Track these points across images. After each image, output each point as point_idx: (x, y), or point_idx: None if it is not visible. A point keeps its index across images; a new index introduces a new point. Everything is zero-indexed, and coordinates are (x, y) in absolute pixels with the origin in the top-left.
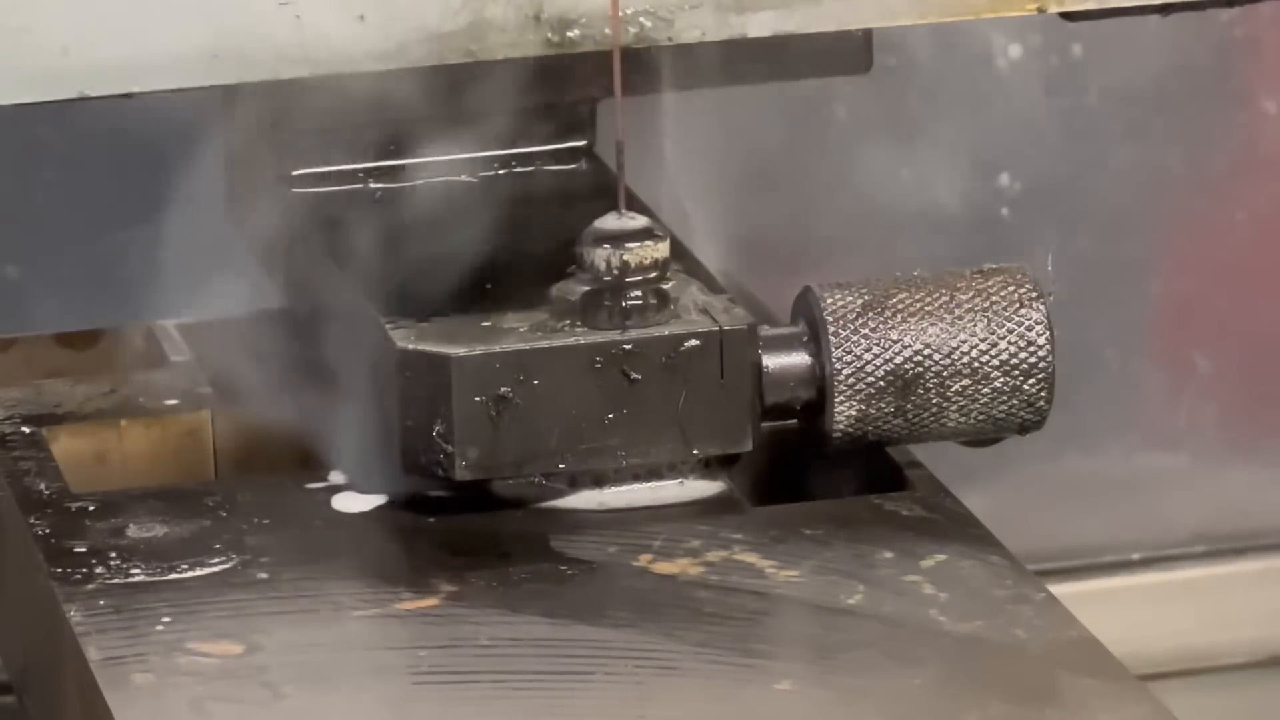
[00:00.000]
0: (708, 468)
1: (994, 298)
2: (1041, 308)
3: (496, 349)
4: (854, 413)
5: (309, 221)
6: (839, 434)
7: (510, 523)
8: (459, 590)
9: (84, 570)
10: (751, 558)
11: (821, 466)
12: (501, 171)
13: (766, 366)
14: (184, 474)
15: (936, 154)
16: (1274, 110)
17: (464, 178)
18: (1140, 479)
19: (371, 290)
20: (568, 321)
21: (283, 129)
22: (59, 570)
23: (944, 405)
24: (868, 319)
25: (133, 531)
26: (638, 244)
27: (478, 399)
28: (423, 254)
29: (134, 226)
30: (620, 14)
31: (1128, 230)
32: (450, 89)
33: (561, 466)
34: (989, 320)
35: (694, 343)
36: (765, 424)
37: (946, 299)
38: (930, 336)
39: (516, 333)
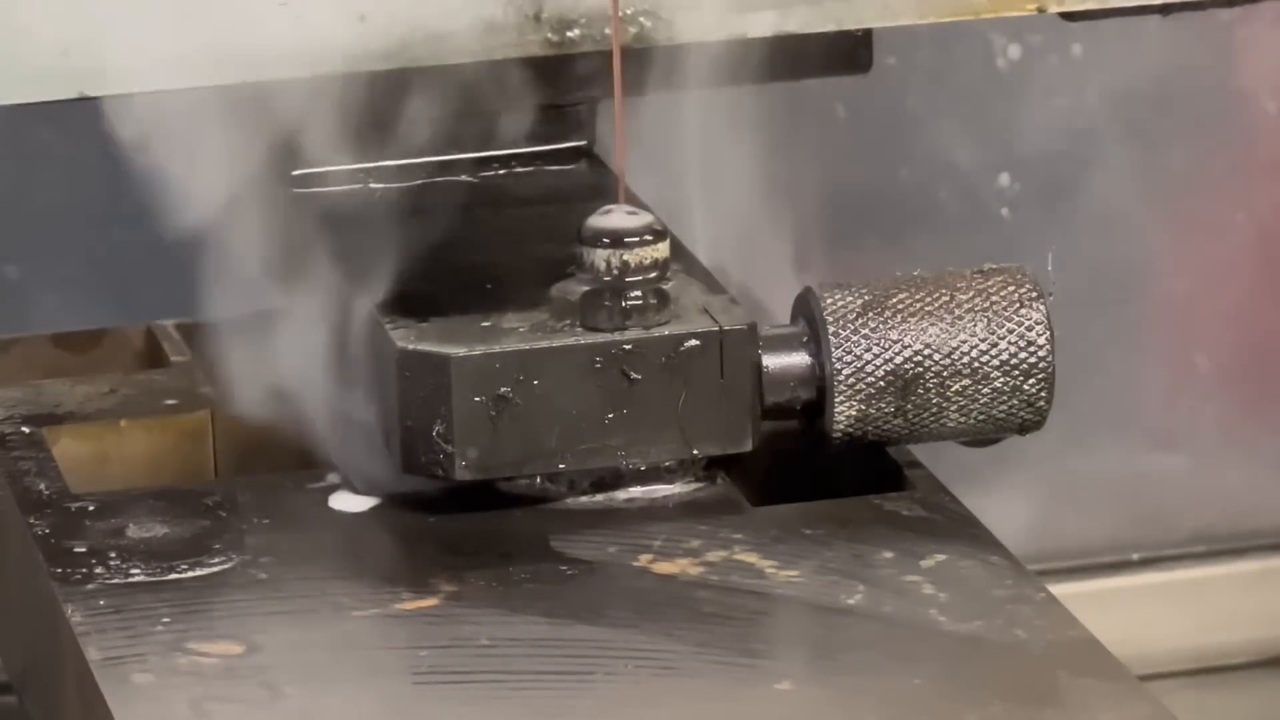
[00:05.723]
0: (708, 468)
1: (994, 298)
2: (1041, 308)
3: (496, 349)
4: (854, 413)
5: (308, 222)
6: (839, 434)
7: (510, 523)
8: (459, 590)
9: (84, 570)
10: (751, 558)
11: (821, 466)
12: (501, 171)
13: (766, 366)
14: (184, 474)
15: (936, 154)
16: (1274, 110)
17: (464, 178)
18: (1140, 479)
19: (371, 290)
20: (568, 321)
21: (282, 129)
22: (59, 570)
23: (944, 405)
24: (868, 319)
25: (133, 531)
26: (638, 244)
27: (477, 399)
28: (423, 254)
29: (134, 226)
30: (620, 14)
31: (1128, 230)
32: (449, 89)
33: (561, 466)
34: (989, 320)
35: (694, 343)
36: (765, 424)
37: (946, 299)
38: (930, 336)
39: (516, 333)
